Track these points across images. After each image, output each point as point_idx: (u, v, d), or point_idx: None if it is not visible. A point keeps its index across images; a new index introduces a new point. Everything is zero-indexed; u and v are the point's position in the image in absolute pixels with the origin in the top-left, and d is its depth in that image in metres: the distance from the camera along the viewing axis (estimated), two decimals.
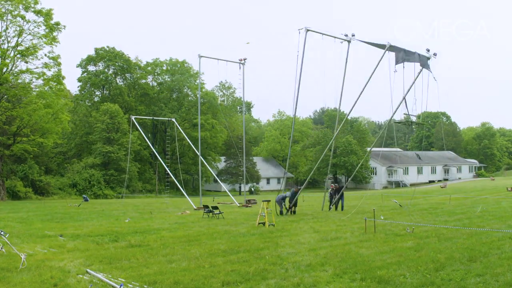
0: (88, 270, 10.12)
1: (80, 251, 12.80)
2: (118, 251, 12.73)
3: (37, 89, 41.25)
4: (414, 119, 21.84)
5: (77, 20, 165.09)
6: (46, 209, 29.23)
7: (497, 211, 22.62)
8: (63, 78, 41.65)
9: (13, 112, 40.00)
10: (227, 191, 43.34)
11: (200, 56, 31.77)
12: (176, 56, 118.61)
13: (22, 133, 41.83)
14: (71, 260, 11.43)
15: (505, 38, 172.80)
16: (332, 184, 28.03)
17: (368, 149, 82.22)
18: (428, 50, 21.56)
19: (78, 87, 68.89)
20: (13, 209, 29.83)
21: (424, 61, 21.22)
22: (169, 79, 75.15)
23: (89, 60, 67.52)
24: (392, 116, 22.76)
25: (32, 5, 38.19)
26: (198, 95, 52.24)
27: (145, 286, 8.88)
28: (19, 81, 40.98)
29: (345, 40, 24.61)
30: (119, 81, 72.15)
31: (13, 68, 39.78)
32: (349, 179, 38.64)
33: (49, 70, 40.21)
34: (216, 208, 23.08)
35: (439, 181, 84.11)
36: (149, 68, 73.99)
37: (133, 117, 38.18)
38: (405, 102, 21.43)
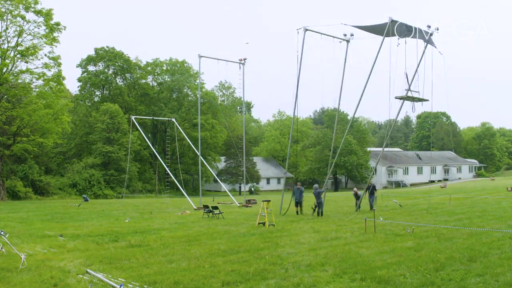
0: (88, 270, 10.12)
1: (80, 251, 12.80)
2: (118, 251, 12.73)
3: (37, 89, 41.26)
4: (416, 94, 21.57)
5: (77, 20, 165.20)
6: (46, 209, 29.23)
7: (497, 211, 22.63)
8: (63, 78, 41.66)
9: (13, 112, 40.01)
10: (227, 191, 43.34)
11: (200, 56, 31.77)
12: (176, 56, 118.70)
13: (22, 133, 41.83)
14: (71, 260, 11.43)
15: (505, 38, 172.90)
16: (355, 188, 27.08)
17: (369, 149, 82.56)
18: (429, 26, 21.53)
19: (78, 87, 68.98)
20: (13, 209, 29.83)
21: (427, 37, 21.18)
22: (169, 79, 75.14)
23: (89, 60, 67.52)
24: (397, 112, 22.67)
25: (32, 5, 38.18)
26: (198, 95, 52.25)
27: (145, 286, 8.88)
28: (19, 81, 40.98)
29: (343, 39, 24.61)
30: (119, 81, 72.16)
31: (13, 68, 39.78)
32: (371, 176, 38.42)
33: (49, 70, 40.25)
34: (216, 208, 23.08)
35: (439, 181, 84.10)
36: (149, 68, 73.98)
37: (133, 117, 38.18)
38: (407, 77, 21.30)
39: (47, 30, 39.10)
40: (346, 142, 73.14)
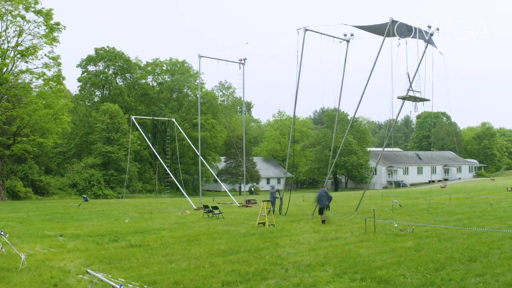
0: (88, 270, 10.12)
1: (80, 251, 12.80)
2: (118, 251, 12.73)
3: (37, 89, 41.27)
4: (418, 94, 21.55)
5: (77, 20, 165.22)
6: (46, 209, 29.23)
7: (497, 211, 22.63)
8: (63, 78, 41.66)
9: (13, 112, 40.01)
10: (227, 191, 43.34)
11: (200, 56, 31.77)
12: (176, 56, 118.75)
13: (22, 133, 41.84)
14: (71, 260, 11.43)
15: (505, 38, 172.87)
16: None
17: (369, 149, 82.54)
18: (430, 27, 21.54)
19: (78, 87, 69.00)
20: (13, 209, 29.83)
21: (427, 37, 21.18)
22: (169, 79, 75.15)
23: (89, 60, 67.52)
24: (399, 112, 22.65)
25: (32, 5, 38.19)
26: (198, 95, 52.23)
27: (145, 286, 8.88)
28: (19, 81, 40.99)
29: (344, 39, 24.61)
30: (119, 81, 72.17)
31: (13, 68, 39.79)
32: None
33: (49, 70, 40.26)
34: (216, 208, 23.08)
35: (439, 181, 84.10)
36: (149, 68, 74.00)
37: (133, 117, 38.18)
38: (408, 77, 21.27)
39: (47, 30, 39.11)
40: (346, 142, 73.19)
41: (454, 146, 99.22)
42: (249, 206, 31.18)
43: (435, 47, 21.64)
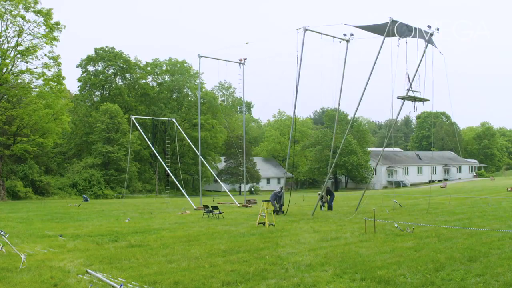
0: (88, 270, 10.12)
1: (80, 251, 12.80)
2: (118, 251, 12.73)
3: (37, 89, 41.27)
4: (417, 94, 21.54)
5: (77, 20, 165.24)
6: (46, 209, 29.23)
7: (497, 211, 22.63)
8: (63, 78, 41.67)
9: (13, 112, 40.02)
10: (227, 191, 43.33)
11: (200, 56, 31.74)
12: (176, 56, 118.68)
13: (22, 133, 41.86)
14: (71, 260, 11.43)
15: (505, 38, 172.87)
16: None
17: (369, 149, 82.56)
18: (430, 27, 21.54)
19: (78, 87, 69.02)
20: (13, 209, 29.84)
21: (427, 37, 21.19)
22: (169, 79, 75.17)
23: (89, 60, 67.53)
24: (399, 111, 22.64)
25: (32, 5, 38.21)
26: (198, 95, 52.23)
27: (145, 286, 8.88)
28: (19, 81, 41.01)
29: (343, 39, 24.59)
30: (119, 81, 72.17)
31: (13, 68, 39.80)
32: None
33: (49, 70, 40.29)
34: (216, 208, 23.07)
35: (439, 181, 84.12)
36: (148, 68, 74.00)
37: (133, 117, 38.18)
38: (408, 77, 21.25)
39: (46, 30, 39.13)
40: (346, 142, 73.18)
41: (454, 146, 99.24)
42: (249, 206, 31.17)
43: (435, 47, 21.64)
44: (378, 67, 21.76)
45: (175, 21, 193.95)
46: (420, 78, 21.43)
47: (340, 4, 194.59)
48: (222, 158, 75.82)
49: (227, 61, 32.11)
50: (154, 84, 76.36)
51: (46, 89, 40.95)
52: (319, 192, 26.77)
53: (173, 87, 74.92)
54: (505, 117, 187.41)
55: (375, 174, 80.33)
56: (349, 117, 76.64)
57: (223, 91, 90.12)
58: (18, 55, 39.07)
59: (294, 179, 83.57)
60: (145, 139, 45.72)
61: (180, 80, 73.56)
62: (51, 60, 40.26)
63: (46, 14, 38.71)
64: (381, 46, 21.01)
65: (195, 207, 29.37)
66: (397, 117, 24.84)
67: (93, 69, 68.50)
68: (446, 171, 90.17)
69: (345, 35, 24.44)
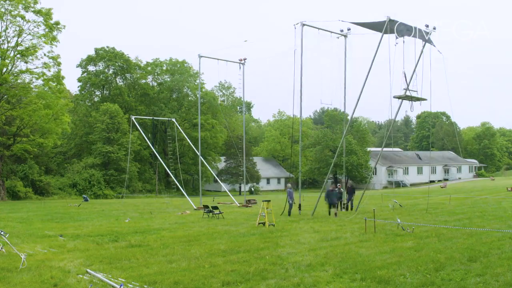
0: (88, 270, 10.12)
1: (80, 251, 12.80)
2: (118, 251, 12.73)
3: (37, 90, 41.25)
4: (415, 94, 21.50)
5: (77, 20, 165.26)
6: (46, 209, 29.24)
7: (497, 211, 22.64)
8: (63, 78, 41.65)
9: (13, 112, 40.01)
10: (227, 191, 43.34)
11: (200, 56, 31.76)
12: (176, 56, 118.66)
13: (22, 134, 41.86)
14: (71, 260, 11.43)
15: (506, 38, 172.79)
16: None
17: (369, 149, 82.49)
18: (427, 26, 21.52)
19: (78, 87, 68.93)
20: (13, 209, 29.85)
21: (426, 36, 21.17)
22: (169, 79, 75.13)
23: (89, 60, 67.50)
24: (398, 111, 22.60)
25: (32, 5, 38.18)
26: (198, 95, 52.22)
27: (145, 286, 8.88)
28: (19, 81, 40.98)
29: (341, 35, 24.52)
30: (119, 81, 72.13)
31: (13, 68, 39.78)
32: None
33: (49, 70, 40.25)
34: (216, 208, 23.08)
35: (439, 181, 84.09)
36: (149, 68, 73.97)
37: (133, 117, 38.19)
38: (405, 76, 21.22)
39: (46, 30, 39.09)
40: (346, 142, 73.13)
41: (454, 146, 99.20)
42: (249, 206, 31.18)
43: (434, 46, 21.63)
44: (377, 66, 21.82)
45: (175, 21, 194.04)
46: (418, 78, 21.42)
47: (340, 4, 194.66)
48: (222, 158, 75.80)
49: (227, 61, 32.14)
50: (154, 84, 76.34)
51: (46, 89, 40.94)
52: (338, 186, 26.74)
53: (173, 87, 74.89)
54: (505, 117, 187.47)
55: (375, 174, 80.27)
56: (348, 117, 76.55)
57: (223, 91, 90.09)
58: (18, 55, 39.05)
59: (295, 179, 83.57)
60: (145, 139, 45.71)
61: (180, 80, 73.53)
62: (51, 60, 40.27)
63: (46, 14, 38.69)
64: (379, 44, 20.97)
65: (195, 207, 29.38)
66: (396, 116, 24.80)
67: (93, 69, 68.49)
68: (446, 171, 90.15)
69: (341, 30, 24.36)
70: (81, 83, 67.64)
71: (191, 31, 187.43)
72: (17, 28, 38.45)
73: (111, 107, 59.14)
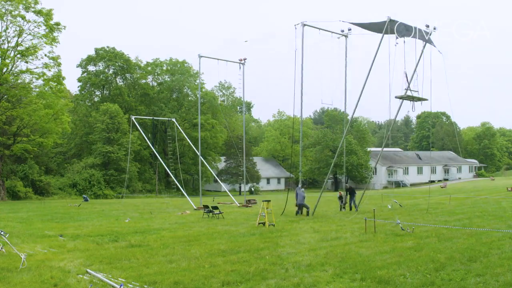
0: (88, 270, 10.12)
1: (80, 251, 12.80)
2: (118, 251, 12.73)
3: (37, 89, 41.28)
4: (416, 94, 21.52)
5: (77, 20, 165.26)
6: (46, 209, 29.24)
7: (497, 211, 22.63)
8: (63, 78, 41.67)
9: (13, 112, 40.02)
10: (227, 191, 43.34)
11: (200, 56, 31.76)
12: (176, 56, 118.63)
13: (22, 133, 41.86)
14: (71, 260, 11.43)
15: (506, 38, 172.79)
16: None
17: (369, 149, 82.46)
18: (428, 26, 21.53)
19: (78, 87, 68.95)
20: (13, 209, 29.84)
21: (427, 36, 21.19)
22: (169, 79, 75.14)
23: (89, 60, 67.51)
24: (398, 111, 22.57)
25: (32, 5, 38.20)
26: (198, 95, 52.22)
27: (145, 286, 8.89)
28: (19, 81, 41.01)
29: (342, 35, 24.54)
30: (119, 81, 72.13)
31: (13, 68, 39.80)
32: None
33: (49, 70, 40.28)
34: (216, 208, 23.08)
35: (439, 181, 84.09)
36: (149, 68, 73.98)
37: (133, 117, 38.19)
38: (406, 76, 21.24)
39: (47, 30, 39.12)
40: (346, 142, 73.06)
41: (454, 146, 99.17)
42: (249, 206, 31.18)
43: (434, 46, 21.64)
44: (377, 66, 21.84)
45: (175, 21, 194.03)
46: (419, 78, 21.44)
47: (341, 5, 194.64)
48: (222, 158, 75.80)
49: (227, 61, 32.16)
50: (154, 84, 76.34)
51: (46, 89, 40.96)
52: (339, 191, 26.87)
53: (173, 87, 74.90)
54: (505, 117, 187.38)
55: (375, 174, 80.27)
56: (348, 117, 76.59)
57: (223, 91, 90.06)
58: (18, 55, 39.08)
59: (295, 179, 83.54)
60: (145, 139, 45.71)
61: (180, 80, 73.54)
62: (51, 60, 40.30)
63: (47, 15, 38.72)
64: (379, 44, 20.98)
65: (195, 207, 29.38)
66: (396, 116, 24.83)
67: (93, 69, 68.50)
68: (446, 171, 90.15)
69: (342, 31, 24.40)
70: (81, 83, 67.65)
71: (191, 31, 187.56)
72: (18, 28, 38.51)
73: (111, 107, 59.14)
